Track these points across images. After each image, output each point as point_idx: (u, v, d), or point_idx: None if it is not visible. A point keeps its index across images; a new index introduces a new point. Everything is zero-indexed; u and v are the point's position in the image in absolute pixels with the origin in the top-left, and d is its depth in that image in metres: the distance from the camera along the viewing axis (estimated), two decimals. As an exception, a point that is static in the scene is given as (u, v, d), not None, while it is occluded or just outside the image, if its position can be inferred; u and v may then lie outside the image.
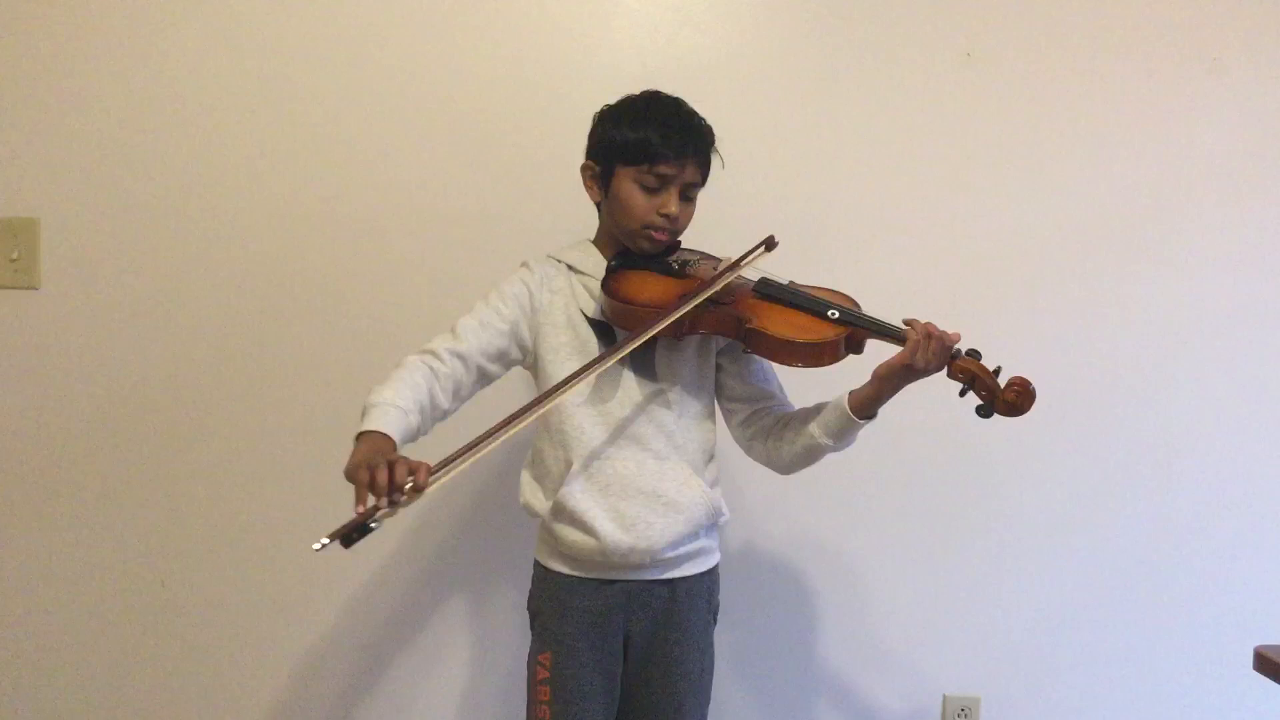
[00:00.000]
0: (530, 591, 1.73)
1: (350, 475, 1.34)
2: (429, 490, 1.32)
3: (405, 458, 1.34)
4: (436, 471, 1.34)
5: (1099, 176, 2.23)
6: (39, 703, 2.20)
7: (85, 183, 2.13)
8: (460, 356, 1.58)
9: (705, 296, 1.57)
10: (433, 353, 1.57)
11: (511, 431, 1.42)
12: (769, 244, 1.65)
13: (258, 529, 2.19)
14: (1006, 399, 1.51)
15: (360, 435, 1.44)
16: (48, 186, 2.13)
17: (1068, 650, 2.26)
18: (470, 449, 1.39)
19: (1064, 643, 2.26)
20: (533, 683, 1.67)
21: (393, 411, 1.47)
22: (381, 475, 1.29)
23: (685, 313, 1.56)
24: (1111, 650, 2.26)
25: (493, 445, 1.40)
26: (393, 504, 1.30)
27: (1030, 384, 1.51)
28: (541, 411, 1.49)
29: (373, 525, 1.28)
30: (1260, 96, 2.23)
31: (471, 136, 2.17)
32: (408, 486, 1.30)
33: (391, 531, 2.19)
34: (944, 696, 2.27)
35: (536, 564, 1.72)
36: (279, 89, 2.15)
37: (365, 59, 2.15)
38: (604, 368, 1.52)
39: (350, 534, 1.28)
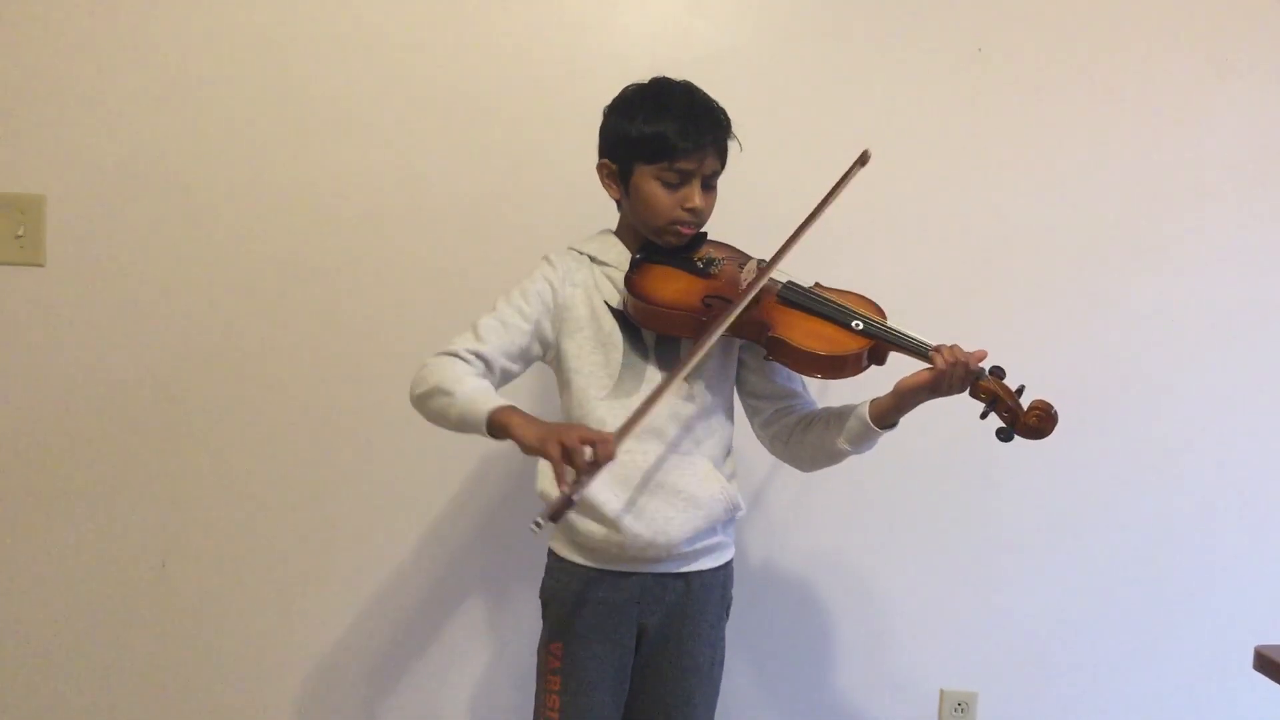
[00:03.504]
0: (543, 580, 1.72)
1: (541, 450, 1.39)
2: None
3: (591, 430, 1.41)
4: (620, 437, 1.41)
5: (1107, 174, 2.23)
6: (38, 685, 2.18)
7: (92, 159, 2.11)
8: (483, 357, 1.57)
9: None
10: (454, 354, 1.56)
11: (670, 387, 1.50)
12: (863, 159, 1.64)
13: (262, 512, 2.19)
14: (1028, 423, 1.50)
15: (492, 415, 1.46)
16: (54, 163, 2.11)
17: (1066, 646, 2.28)
18: (640, 413, 1.45)
19: (1062, 639, 2.28)
20: (543, 671, 1.67)
21: (486, 387, 1.52)
22: (580, 458, 1.36)
23: (718, 317, 1.54)
24: (1110, 647, 2.28)
25: (656, 406, 1.48)
26: (590, 475, 1.37)
27: (1052, 407, 1.50)
28: (696, 361, 1.52)
29: (575, 499, 1.36)
30: (1268, 98, 2.24)
31: (480, 129, 2.15)
32: (603, 455, 1.37)
33: (399, 520, 2.20)
34: (941, 691, 2.28)
35: (551, 553, 1.72)
36: (287, 74, 2.13)
37: (373, 47, 2.13)
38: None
39: (560, 512, 1.36)
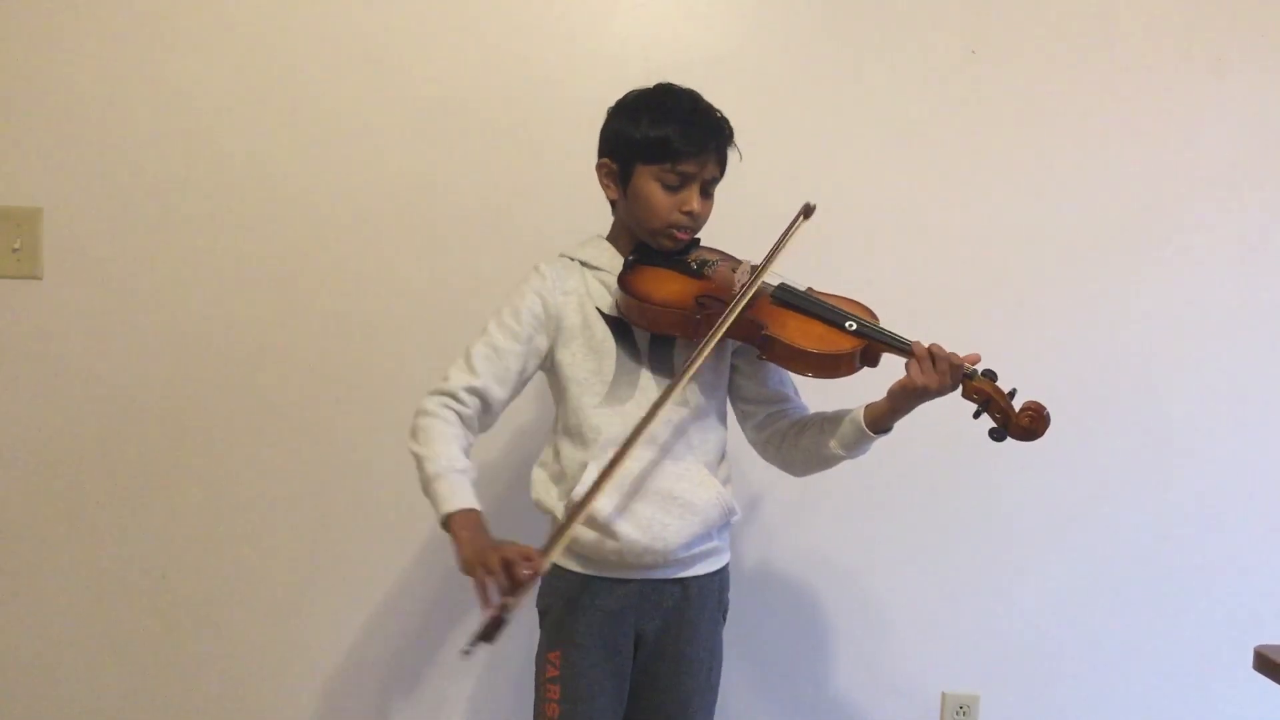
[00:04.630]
0: (539, 589, 1.71)
1: (469, 572, 1.40)
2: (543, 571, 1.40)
3: (515, 545, 1.40)
4: (547, 553, 1.42)
5: (1101, 174, 2.23)
6: (40, 698, 2.19)
7: (89, 172, 2.12)
8: (478, 393, 1.59)
9: (748, 298, 1.55)
10: (452, 395, 1.58)
11: (602, 492, 1.49)
12: (807, 211, 1.63)
13: (262, 524, 2.19)
14: (1020, 423, 1.50)
15: (449, 518, 1.47)
16: (51, 176, 2.11)
17: (1067, 648, 2.28)
18: (568, 521, 1.46)
19: (1063, 641, 2.28)
20: (541, 680, 1.67)
21: (459, 479, 1.52)
22: (501, 578, 1.37)
23: (711, 317, 1.54)
24: (1111, 649, 2.27)
25: (586, 511, 1.49)
26: (520, 593, 1.37)
27: (1044, 409, 1.50)
28: (632, 447, 1.50)
29: (507, 617, 1.35)
30: (1263, 96, 2.24)
31: (475, 133, 2.16)
32: (525, 575, 1.37)
33: (398, 530, 2.20)
34: (943, 694, 2.28)
35: (547, 561, 1.72)
36: (283, 82, 2.14)
37: (368, 52, 2.14)
38: (682, 384, 1.53)
39: (492, 632, 1.34)
